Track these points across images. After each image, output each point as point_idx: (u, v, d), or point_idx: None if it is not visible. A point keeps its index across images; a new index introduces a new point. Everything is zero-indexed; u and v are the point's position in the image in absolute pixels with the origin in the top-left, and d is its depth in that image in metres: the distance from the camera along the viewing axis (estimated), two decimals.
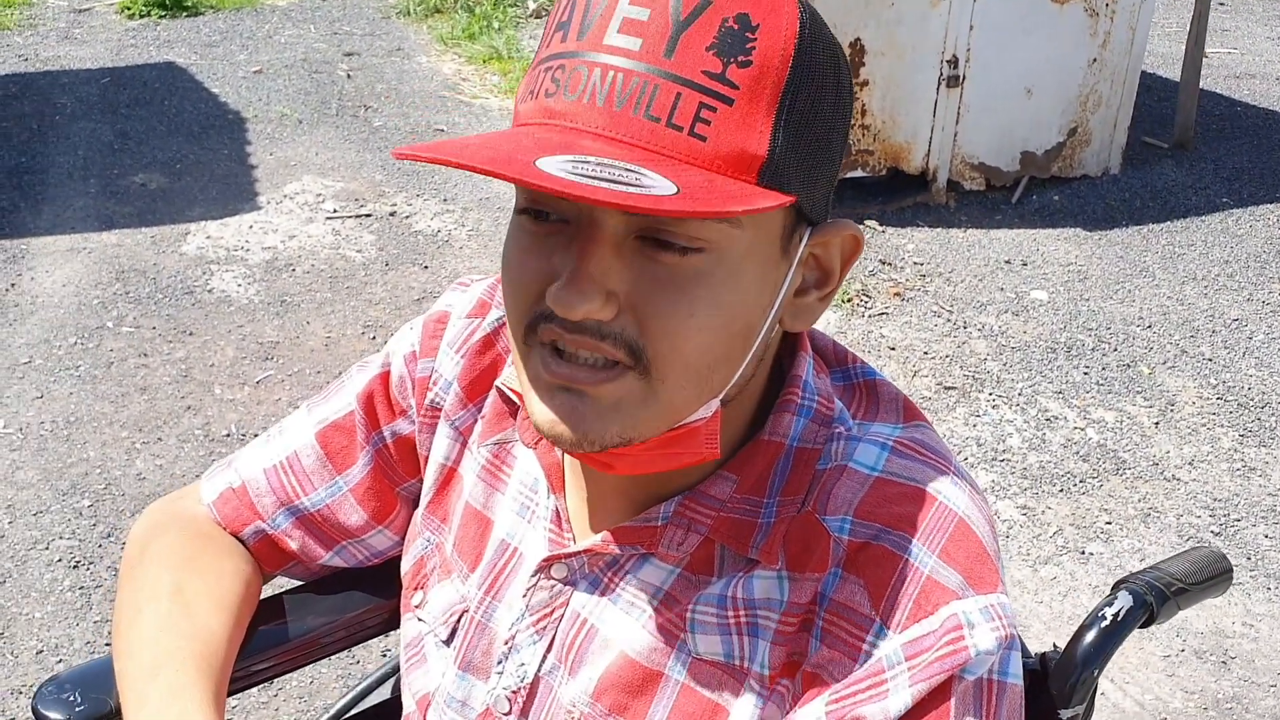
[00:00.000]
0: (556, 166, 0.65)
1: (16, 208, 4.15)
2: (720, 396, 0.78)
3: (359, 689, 1.16)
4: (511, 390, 0.85)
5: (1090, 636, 0.89)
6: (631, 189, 0.65)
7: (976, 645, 0.75)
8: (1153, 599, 0.92)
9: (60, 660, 2.28)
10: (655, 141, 0.69)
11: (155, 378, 3.22)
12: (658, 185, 0.66)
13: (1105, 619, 0.89)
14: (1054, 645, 0.92)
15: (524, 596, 0.90)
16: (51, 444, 2.92)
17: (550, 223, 0.75)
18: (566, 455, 0.91)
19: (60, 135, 4.78)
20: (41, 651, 2.31)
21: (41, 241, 3.93)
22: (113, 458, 2.89)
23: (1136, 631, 0.93)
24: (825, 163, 0.77)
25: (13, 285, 3.65)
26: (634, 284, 0.73)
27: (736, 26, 0.70)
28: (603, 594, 0.87)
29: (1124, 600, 0.89)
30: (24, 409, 3.06)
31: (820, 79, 0.74)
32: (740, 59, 0.70)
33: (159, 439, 2.97)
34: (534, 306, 0.75)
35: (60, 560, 2.54)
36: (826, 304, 0.84)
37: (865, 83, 4.15)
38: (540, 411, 0.76)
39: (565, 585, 0.88)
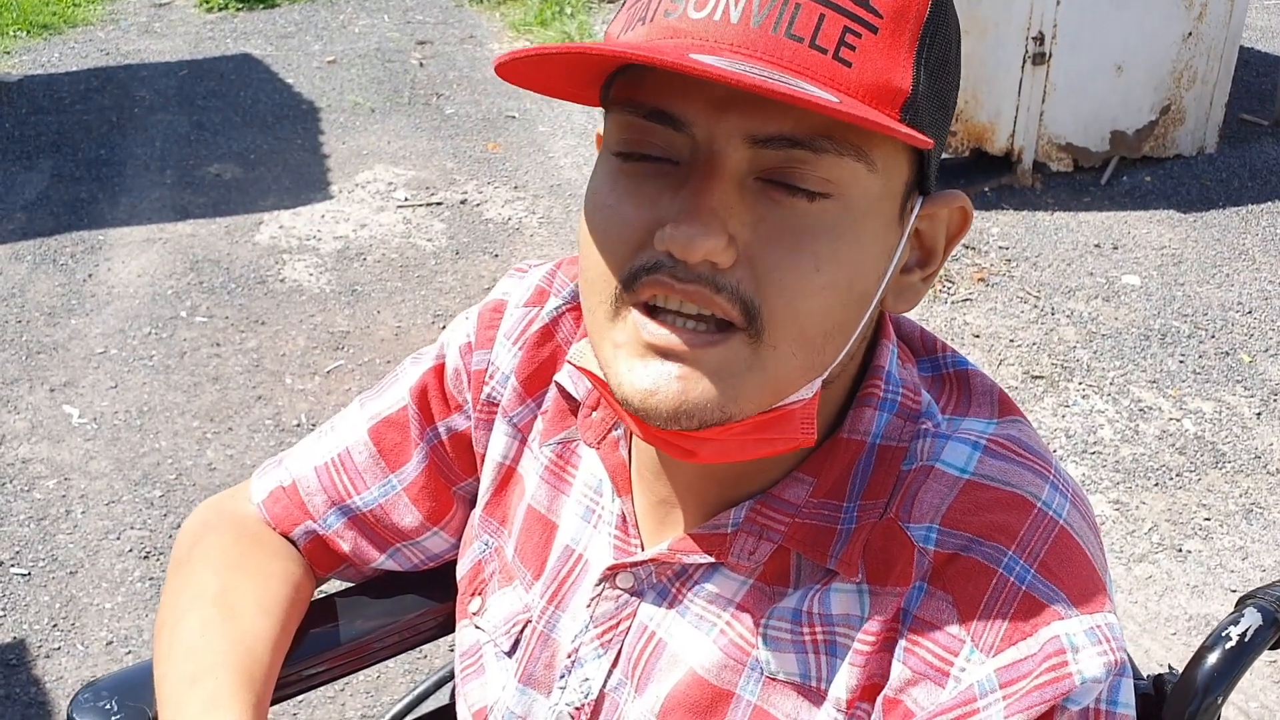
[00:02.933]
0: (711, 63, 0.59)
1: (95, 199, 4.19)
2: (824, 376, 0.71)
3: (413, 695, 1.11)
4: (582, 370, 0.76)
5: (1213, 659, 0.79)
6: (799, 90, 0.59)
7: (1082, 672, 0.66)
8: None
9: (129, 651, 2.28)
10: (797, 61, 0.63)
11: (227, 367, 3.22)
12: (819, 96, 0.60)
13: (1230, 639, 0.79)
14: (1169, 666, 0.83)
15: (588, 606, 0.83)
16: (125, 434, 2.93)
17: (655, 163, 0.68)
18: (634, 453, 0.84)
19: (138, 127, 4.83)
20: (111, 642, 2.30)
21: (119, 232, 3.96)
22: (184, 448, 2.89)
23: None
24: (947, 121, 0.72)
25: (90, 275, 3.68)
26: (754, 230, 0.65)
27: None
28: (671, 605, 0.80)
29: (1251, 618, 0.79)
30: (99, 399, 3.08)
31: (951, 28, 0.69)
32: None
33: (230, 429, 2.96)
34: (634, 257, 0.67)
35: (131, 550, 2.54)
36: (929, 285, 0.76)
37: None
38: (632, 381, 0.68)
39: (632, 596, 0.82)
